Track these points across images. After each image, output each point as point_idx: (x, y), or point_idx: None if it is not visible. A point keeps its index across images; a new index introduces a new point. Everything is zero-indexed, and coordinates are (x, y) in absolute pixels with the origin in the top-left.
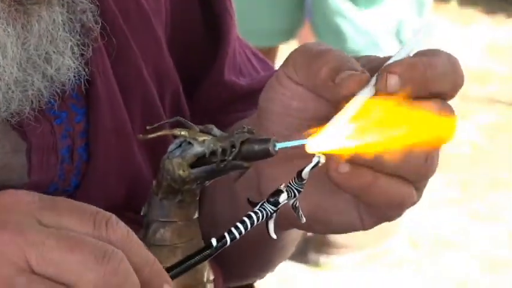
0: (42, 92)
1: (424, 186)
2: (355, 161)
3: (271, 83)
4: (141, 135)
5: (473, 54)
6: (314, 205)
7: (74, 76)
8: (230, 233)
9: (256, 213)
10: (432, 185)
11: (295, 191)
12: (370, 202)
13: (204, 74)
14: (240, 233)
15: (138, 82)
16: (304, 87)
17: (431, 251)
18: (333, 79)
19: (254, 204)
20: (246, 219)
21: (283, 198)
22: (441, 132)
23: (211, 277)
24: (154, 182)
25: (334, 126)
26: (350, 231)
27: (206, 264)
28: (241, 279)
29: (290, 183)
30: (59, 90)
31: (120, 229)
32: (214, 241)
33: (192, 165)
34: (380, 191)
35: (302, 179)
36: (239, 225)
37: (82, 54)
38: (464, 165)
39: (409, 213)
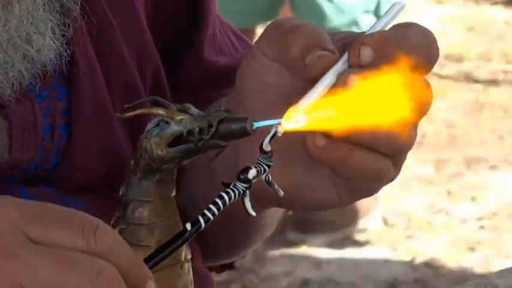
0: (23, 74)
1: (402, 161)
2: (331, 135)
3: (247, 60)
4: (119, 113)
5: (450, 32)
6: (291, 182)
7: (56, 57)
8: (204, 215)
9: (227, 193)
10: (407, 163)
11: (265, 166)
12: (346, 175)
13: (184, 52)
14: (213, 214)
15: (119, 61)
16: (279, 63)
17: (406, 230)
18: (303, 58)
19: (227, 185)
20: (218, 200)
21: (252, 174)
22: (416, 106)
23: (189, 256)
24: (132, 162)
25: (308, 102)
26: (328, 208)
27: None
28: (220, 258)
29: (259, 160)
30: (40, 72)
31: (108, 236)
32: (189, 225)
33: (170, 145)
34: (356, 163)
35: (265, 152)
36: (212, 206)
37: (63, 35)
38: (440, 144)
39: (383, 193)
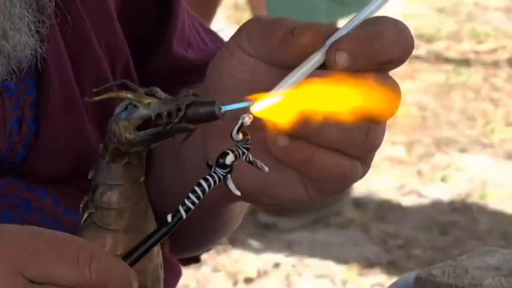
0: None
1: (370, 160)
2: (294, 135)
3: (222, 54)
4: (87, 97)
5: (420, 13)
6: (261, 179)
7: (31, 53)
8: (183, 205)
9: (206, 180)
10: None
11: (243, 150)
12: (311, 176)
13: (153, 45)
14: (193, 203)
15: (90, 56)
16: (257, 58)
17: (377, 212)
18: (291, 34)
19: (210, 168)
20: (197, 188)
21: (230, 159)
22: (383, 107)
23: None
24: (101, 145)
25: (279, 90)
26: (297, 204)
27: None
28: (186, 251)
29: (236, 146)
30: (15, 68)
31: (102, 265)
32: (169, 217)
33: (138, 128)
34: (319, 165)
35: (236, 141)
36: (191, 195)
37: (37, 31)
38: (411, 125)
39: None
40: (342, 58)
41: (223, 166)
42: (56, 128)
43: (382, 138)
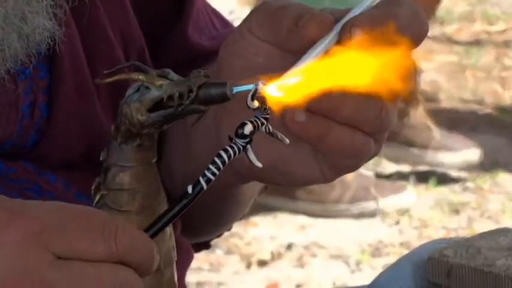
0: (18, 53)
1: (383, 138)
2: (311, 110)
3: (235, 37)
4: (98, 79)
5: None
6: (275, 156)
7: (49, 37)
8: (204, 176)
9: (226, 150)
10: None
11: (262, 120)
12: (326, 151)
13: (168, 33)
14: (213, 174)
15: (103, 43)
16: (270, 43)
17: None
18: (295, 25)
19: (231, 140)
20: (217, 159)
21: (248, 129)
22: (397, 85)
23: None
24: (113, 127)
25: (293, 72)
26: (312, 184)
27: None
28: (196, 236)
29: (256, 116)
30: (34, 51)
31: (127, 236)
32: (190, 188)
33: (150, 110)
34: (335, 140)
35: (253, 109)
36: (211, 166)
37: (55, 15)
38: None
39: None
40: (356, 33)
41: (243, 136)
42: (68, 113)
43: (395, 118)
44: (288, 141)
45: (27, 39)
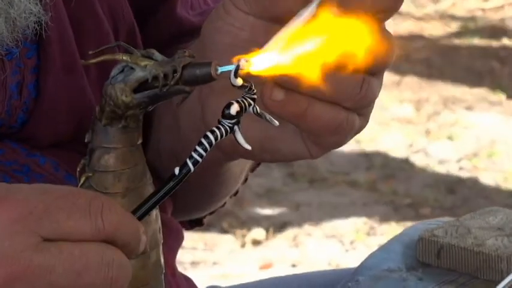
0: (4, 36)
1: (369, 112)
2: (290, 88)
3: (218, 12)
4: (83, 60)
5: None
6: (261, 134)
7: (35, 21)
8: (191, 157)
9: (213, 132)
10: (386, 103)
11: (249, 100)
12: (307, 129)
13: (156, 7)
14: (200, 155)
15: (91, 20)
16: (254, 16)
17: (385, 171)
18: None
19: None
20: (203, 140)
21: (234, 109)
22: (376, 57)
23: None
24: (97, 108)
25: (272, 46)
26: (298, 159)
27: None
28: (186, 213)
29: (242, 97)
30: (21, 35)
31: (113, 214)
32: (177, 170)
33: (135, 90)
34: (315, 117)
35: (237, 87)
36: (198, 148)
37: (40, 0)
38: (419, 84)
39: (362, 133)
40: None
41: (230, 117)
42: (56, 92)
43: (378, 91)
44: (277, 123)
45: (13, 24)
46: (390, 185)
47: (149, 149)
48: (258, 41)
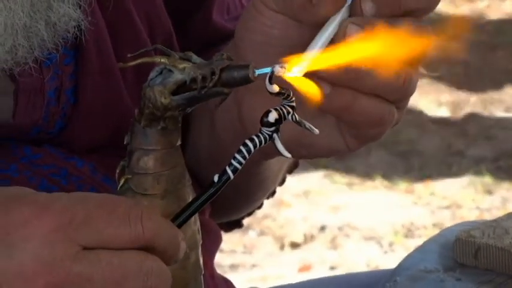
0: (45, 40)
1: (405, 105)
2: (335, 82)
3: (249, 12)
4: (122, 63)
5: None
6: (299, 131)
7: (75, 26)
8: (230, 165)
9: (252, 139)
10: (423, 104)
11: (288, 108)
12: (351, 122)
13: (192, 13)
14: (239, 163)
15: (128, 26)
16: (284, 14)
17: (423, 173)
18: (309, 4)
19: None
20: (242, 148)
21: (273, 116)
22: (416, 52)
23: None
24: (136, 110)
25: (312, 49)
26: (335, 154)
27: (190, 193)
28: (224, 214)
29: (281, 104)
30: (61, 39)
31: (153, 222)
32: (216, 178)
33: (173, 93)
34: (360, 110)
35: (273, 93)
36: (237, 155)
37: (79, 5)
38: (456, 85)
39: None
40: (367, 6)
41: (269, 125)
42: (94, 97)
43: (416, 84)
44: (317, 131)
45: (53, 28)
46: (428, 187)
47: (187, 151)
48: (291, 39)
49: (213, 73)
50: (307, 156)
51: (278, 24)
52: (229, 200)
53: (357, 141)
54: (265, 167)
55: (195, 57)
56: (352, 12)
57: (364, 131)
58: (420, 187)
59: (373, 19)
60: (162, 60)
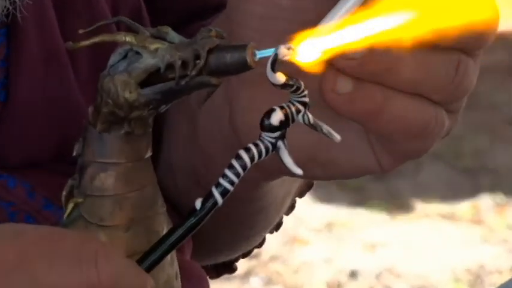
0: None
1: (459, 108)
2: (359, 75)
3: None
4: (71, 42)
5: None
6: (312, 141)
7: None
8: (218, 186)
9: (248, 149)
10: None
11: (298, 105)
12: (381, 131)
13: None
14: (231, 182)
15: None
16: None
17: (495, 197)
18: None
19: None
20: (235, 162)
21: (277, 118)
22: (473, 29)
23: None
24: (90, 109)
25: (329, 21)
26: (363, 175)
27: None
28: (213, 256)
29: (290, 100)
30: None
31: (112, 265)
32: (198, 203)
33: (142, 84)
34: (395, 115)
35: (277, 85)
36: (228, 172)
37: None
38: None
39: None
40: None
41: (272, 129)
42: (31, 93)
43: (475, 77)
44: (338, 137)
45: None
46: (502, 216)
47: (160, 166)
48: (304, 11)
49: (197, 56)
50: (323, 177)
51: None
52: (217, 235)
53: (392, 157)
54: (266, 191)
55: (172, 34)
56: None
57: (401, 144)
58: (491, 216)
59: None
60: (127, 38)
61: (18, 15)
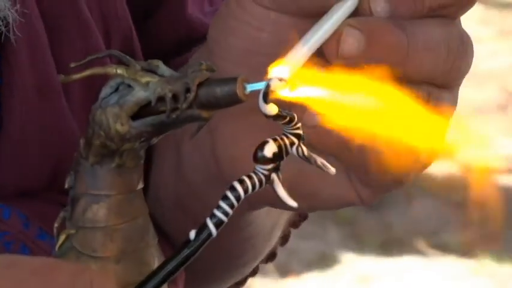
0: None
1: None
2: (331, 107)
3: (230, 8)
4: (63, 76)
5: None
6: (294, 173)
7: (1, 19)
8: (213, 217)
9: (242, 181)
10: None
11: (291, 137)
12: (353, 164)
13: (159, 5)
14: (225, 214)
15: (74, 23)
16: (277, 11)
17: (483, 230)
18: None
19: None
20: (229, 193)
21: (270, 149)
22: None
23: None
24: (82, 142)
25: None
26: (344, 207)
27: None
28: (202, 286)
29: (283, 132)
30: None
31: None
32: (192, 234)
33: (133, 117)
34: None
35: (271, 117)
36: (222, 204)
37: None
38: None
39: None
40: (379, 6)
41: (265, 161)
42: (24, 122)
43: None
44: (333, 170)
45: None
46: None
47: (149, 197)
48: (283, 42)
49: (187, 90)
50: (308, 209)
51: (268, 26)
52: (205, 266)
53: (370, 190)
54: (251, 220)
55: (163, 68)
56: (359, 10)
57: (376, 176)
58: (484, 250)
59: (384, 23)
60: (118, 71)
61: (12, 36)
